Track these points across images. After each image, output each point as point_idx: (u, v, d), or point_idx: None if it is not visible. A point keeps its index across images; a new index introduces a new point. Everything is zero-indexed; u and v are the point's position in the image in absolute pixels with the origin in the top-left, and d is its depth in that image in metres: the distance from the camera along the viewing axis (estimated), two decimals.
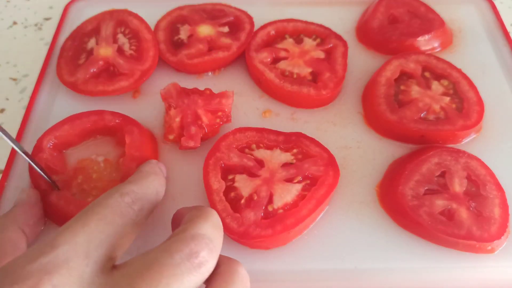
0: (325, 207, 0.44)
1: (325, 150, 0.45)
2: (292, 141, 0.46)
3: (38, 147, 0.45)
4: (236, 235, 0.40)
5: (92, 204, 0.31)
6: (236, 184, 0.43)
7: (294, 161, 0.45)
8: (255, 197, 0.42)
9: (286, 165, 0.44)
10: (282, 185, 0.43)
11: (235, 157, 0.45)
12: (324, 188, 0.42)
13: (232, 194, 0.43)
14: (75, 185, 0.45)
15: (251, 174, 0.44)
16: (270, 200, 0.42)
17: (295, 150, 0.46)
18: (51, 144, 0.45)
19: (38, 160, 0.44)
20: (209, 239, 0.29)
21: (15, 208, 0.40)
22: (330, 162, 0.44)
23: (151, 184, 0.36)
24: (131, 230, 0.31)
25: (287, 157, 0.45)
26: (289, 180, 0.43)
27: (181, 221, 0.32)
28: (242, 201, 0.42)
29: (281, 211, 0.41)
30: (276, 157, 0.45)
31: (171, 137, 0.48)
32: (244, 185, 0.43)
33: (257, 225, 0.40)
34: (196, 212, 0.31)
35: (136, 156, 0.44)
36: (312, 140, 0.46)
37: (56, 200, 0.42)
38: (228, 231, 0.40)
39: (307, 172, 0.44)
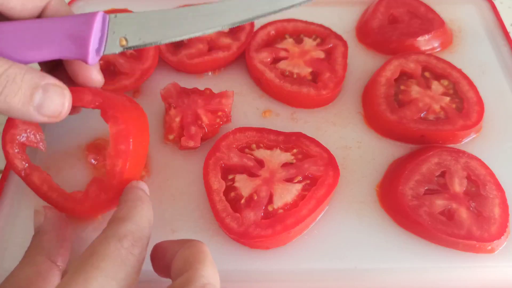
0: (325, 207, 0.44)
1: (325, 150, 0.45)
2: (292, 141, 0.46)
3: (10, 124, 0.41)
4: (236, 235, 0.40)
5: (90, 253, 0.29)
6: (236, 184, 0.43)
7: (294, 161, 0.45)
8: (255, 197, 0.42)
9: (286, 165, 0.44)
10: (282, 185, 0.43)
11: (235, 157, 0.45)
12: (324, 188, 0.42)
13: (232, 194, 0.43)
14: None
15: (251, 174, 0.44)
16: (270, 200, 0.42)
17: (295, 150, 0.46)
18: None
19: (12, 137, 0.41)
20: (214, 286, 0.28)
21: (39, 237, 0.37)
22: (330, 162, 0.44)
23: (143, 215, 0.33)
24: (134, 278, 0.30)
25: (287, 157, 0.45)
26: (289, 180, 0.43)
27: (165, 256, 0.32)
28: (242, 201, 0.42)
29: (281, 211, 0.41)
30: (276, 157, 0.45)
31: (171, 137, 0.48)
32: (244, 185, 0.43)
33: (257, 225, 0.40)
34: (190, 255, 0.30)
35: (123, 151, 0.38)
36: (312, 140, 0.46)
37: (40, 182, 0.41)
38: (228, 231, 0.40)
39: (307, 172, 0.44)
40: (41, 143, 0.43)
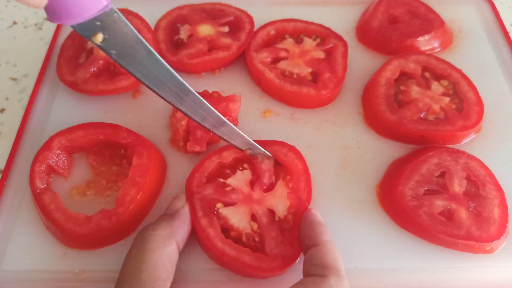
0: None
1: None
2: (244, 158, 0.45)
3: (47, 145, 0.45)
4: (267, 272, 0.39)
5: None
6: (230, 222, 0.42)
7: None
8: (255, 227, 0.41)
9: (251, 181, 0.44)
10: (270, 198, 0.43)
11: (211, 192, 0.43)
12: (300, 177, 0.43)
13: (232, 233, 0.42)
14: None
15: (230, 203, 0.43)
16: (272, 213, 0.42)
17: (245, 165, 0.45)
18: (61, 145, 0.45)
19: (44, 158, 0.44)
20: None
21: (173, 221, 0.39)
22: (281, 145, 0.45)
23: (341, 262, 0.37)
24: None
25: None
26: (270, 187, 0.43)
27: (306, 236, 0.38)
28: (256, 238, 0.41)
29: (290, 216, 0.42)
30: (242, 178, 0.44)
31: (181, 144, 0.48)
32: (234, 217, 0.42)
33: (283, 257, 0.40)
34: (329, 259, 0.36)
35: (138, 182, 0.43)
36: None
37: (48, 202, 0.42)
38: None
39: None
40: (66, 172, 0.46)
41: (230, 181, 0.44)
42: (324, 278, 0.34)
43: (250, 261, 0.39)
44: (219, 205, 0.42)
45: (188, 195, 0.43)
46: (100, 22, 0.35)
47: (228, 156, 0.45)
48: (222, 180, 0.44)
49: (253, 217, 0.42)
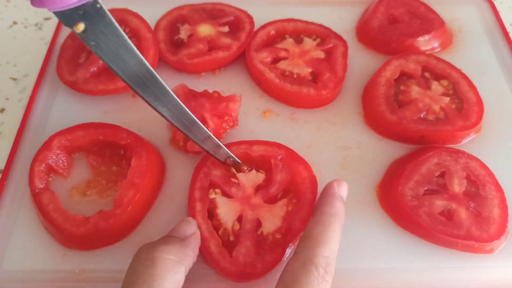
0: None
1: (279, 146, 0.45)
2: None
3: (47, 145, 0.45)
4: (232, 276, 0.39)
5: (292, 280, 0.32)
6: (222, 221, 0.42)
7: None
8: (240, 226, 0.41)
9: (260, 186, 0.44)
10: (267, 209, 0.42)
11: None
12: (306, 205, 0.42)
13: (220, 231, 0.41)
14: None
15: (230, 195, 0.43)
16: (259, 225, 0.41)
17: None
18: (60, 145, 0.45)
19: (43, 158, 0.44)
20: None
21: (185, 247, 0.37)
22: (291, 156, 0.44)
23: (336, 239, 0.36)
24: None
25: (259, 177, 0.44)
26: (271, 200, 0.43)
27: None
28: (231, 237, 0.41)
29: (279, 235, 0.41)
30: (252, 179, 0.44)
31: (180, 143, 0.48)
32: (225, 211, 0.42)
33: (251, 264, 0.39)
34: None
35: (136, 184, 0.42)
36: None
37: (47, 202, 0.42)
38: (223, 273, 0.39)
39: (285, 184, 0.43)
40: (65, 172, 0.46)
41: (240, 175, 0.44)
42: (295, 255, 0.33)
43: (214, 250, 0.39)
44: (217, 191, 0.43)
45: (199, 165, 0.44)
46: (83, 12, 0.35)
47: (257, 151, 0.45)
48: (234, 171, 0.44)
49: (239, 218, 0.41)
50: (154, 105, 0.39)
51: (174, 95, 0.40)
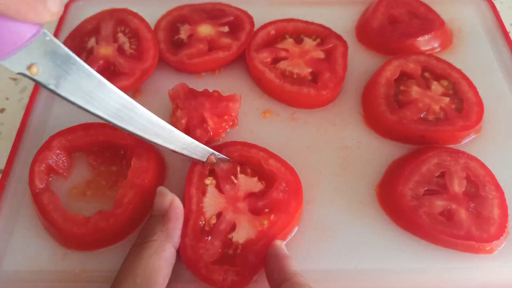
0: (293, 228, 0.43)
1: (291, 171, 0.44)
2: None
3: (47, 145, 0.45)
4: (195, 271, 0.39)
5: None
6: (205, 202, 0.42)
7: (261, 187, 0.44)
8: (216, 224, 0.41)
9: (252, 195, 0.43)
10: (247, 217, 0.42)
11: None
12: (282, 222, 0.41)
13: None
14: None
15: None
16: (233, 229, 0.41)
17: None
18: (60, 145, 0.45)
19: (43, 158, 0.44)
20: None
21: (167, 223, 0.38)
22: (295, 188, 0.43)
23: None
24: None
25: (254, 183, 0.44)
26: (255, 211, 0.42)
27: (274, 271, 0.37)
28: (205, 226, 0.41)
29: (239, 250, 0.40)
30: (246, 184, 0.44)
31: None
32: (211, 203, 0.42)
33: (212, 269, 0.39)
34: None
35: (136, 184, 0.42)
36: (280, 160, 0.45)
37: (47, 202, 0.42)
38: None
39: (274, 201, 0.42)
40: (65, 172, 0.46)
41: (241, 177, 0.44)
42: None
43: (184, 231, 0.40)
44: (213, 181, 0.43)
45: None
46: (33, 51, 0.32)
47: (271, 165, 0.44)
48: (238, 168, 0.44)
49: (219, 215, 0.42)
50: (129, 129, 0.38)
51: (146, 110, 0.39)
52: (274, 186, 0.43)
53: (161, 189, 0.40)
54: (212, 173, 0.44)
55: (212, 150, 0.44)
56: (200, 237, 0.40)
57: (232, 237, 0.41)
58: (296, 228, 0.43)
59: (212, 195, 0.43)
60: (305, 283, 0.35)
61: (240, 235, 0.41)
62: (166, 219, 0.38)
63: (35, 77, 0.32)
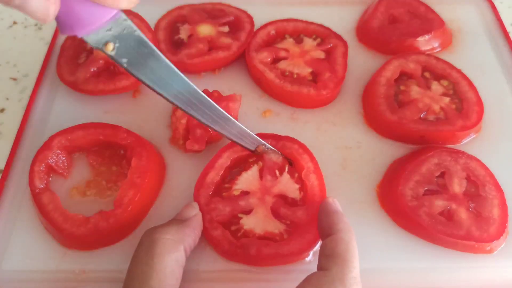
0: None
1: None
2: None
3: (47, 145, 0.45)
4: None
5: None
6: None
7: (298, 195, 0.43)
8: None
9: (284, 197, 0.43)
10: (266, 213, 0.42)
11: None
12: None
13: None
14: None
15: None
16: (248, 212, 0.42)
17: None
18: (60, 145, 0.45)
19: (43, 158, 0.44)
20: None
21: (184, 227, 0.38)
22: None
23: (357, 254, 0.36)
24: None
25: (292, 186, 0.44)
26: (275, 214, 0.42)
27: (324, 224, 0.38)
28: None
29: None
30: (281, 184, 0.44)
31: (180, 142, 0.48)
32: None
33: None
34: (344, 249, 0.35)
35: (136, 184, 0.42)
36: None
37: (47, 202, 0.42)
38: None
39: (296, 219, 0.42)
40: (65, 172, 0.46)
41: (285, 175, 0.44)
42: (327, 271, 0.33)
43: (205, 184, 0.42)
44: (260, 164, 0.44)
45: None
46: (111, 31, 0.35)
47: (311, 180, 0.44)
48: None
49: (245, 193, 0.42)
50: (192, 114, 0.40)
51: (208, 98, 0.40)
52: (304, 207, 0.42)
53: (193, 203, 0.42)
54: (261, 158, 0.45)
55: (263, 142, 0.44)
56: (215, 195, 0.42)
57: (242, 217, 0.41)
58: None
59: (253, 173, 0.44)
60: (347, 240, 0.35)
61: (248, 222, 0.41)
62: (186, 224, 0.39)
63: (110, 54, 0.36)
